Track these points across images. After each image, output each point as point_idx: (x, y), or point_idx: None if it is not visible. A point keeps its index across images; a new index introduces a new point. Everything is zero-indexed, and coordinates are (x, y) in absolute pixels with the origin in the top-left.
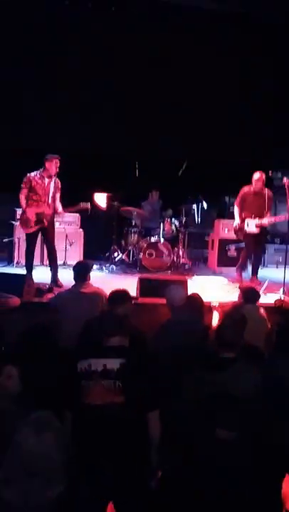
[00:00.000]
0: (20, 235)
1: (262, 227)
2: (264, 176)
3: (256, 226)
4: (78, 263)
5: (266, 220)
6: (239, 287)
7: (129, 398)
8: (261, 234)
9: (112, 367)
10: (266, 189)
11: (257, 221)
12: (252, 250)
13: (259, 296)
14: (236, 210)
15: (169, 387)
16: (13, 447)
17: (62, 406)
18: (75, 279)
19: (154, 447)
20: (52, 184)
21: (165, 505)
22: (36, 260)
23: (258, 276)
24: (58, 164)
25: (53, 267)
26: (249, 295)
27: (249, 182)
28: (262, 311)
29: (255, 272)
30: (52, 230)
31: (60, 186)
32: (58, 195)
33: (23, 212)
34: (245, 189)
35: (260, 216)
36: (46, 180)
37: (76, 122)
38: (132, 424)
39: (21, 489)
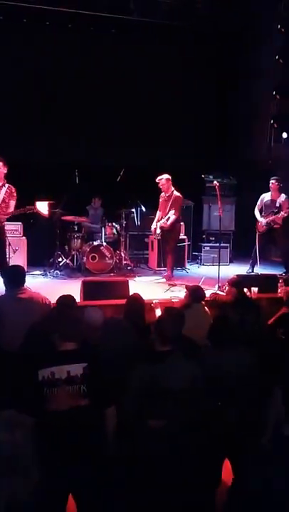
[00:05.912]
0: None
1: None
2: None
3: (159, 227)
4: (11, 268)
5: (163, 221)
6: (186, 287)
7: (92, 400)
8: (165, 233)
9: (76, 373)
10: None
11: (160, 222)
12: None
13: (205, 295)
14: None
15: (118, 384)
16: None
17: (23, 412)
18: (9, 284)
19: (110, 438)
20: (3, 190)
21: (116, 490)
22: None
23: (180, 272)
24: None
25: None
26: (196, 294)
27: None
28: (207, 308)
29: (169, 268)
30: (1, 236)
31: (14, 194)
32: (11, 203)
33: None
34: (161, 194)
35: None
36: None
37: (17, 131)
38: (93, 422)
39: (5, 484)
